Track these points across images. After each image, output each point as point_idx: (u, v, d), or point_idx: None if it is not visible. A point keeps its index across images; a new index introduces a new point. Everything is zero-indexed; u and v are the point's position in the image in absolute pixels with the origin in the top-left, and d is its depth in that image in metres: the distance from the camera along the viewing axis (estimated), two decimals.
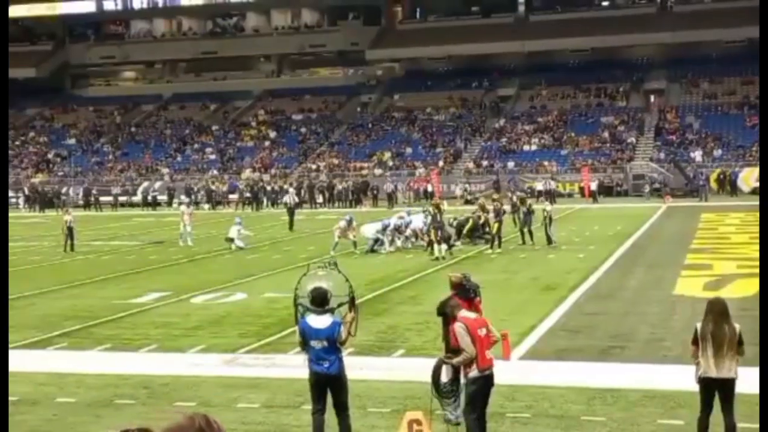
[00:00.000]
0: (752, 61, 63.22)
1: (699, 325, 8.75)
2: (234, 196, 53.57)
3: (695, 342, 8.73)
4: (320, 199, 52.70)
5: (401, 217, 27.87)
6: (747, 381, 9.11)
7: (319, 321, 8.91)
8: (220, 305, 18.26)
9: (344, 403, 9.12)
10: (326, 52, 76.25)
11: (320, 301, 9.00)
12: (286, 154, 64.16)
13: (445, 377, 9.17)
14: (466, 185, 53.44)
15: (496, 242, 26.02)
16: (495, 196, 32.71)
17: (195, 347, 14.31)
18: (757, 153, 54.56)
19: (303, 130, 67.82)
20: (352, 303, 9.14)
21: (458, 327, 8.85)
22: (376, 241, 26.74)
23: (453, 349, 9.06)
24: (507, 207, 28.93)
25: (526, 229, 27.05)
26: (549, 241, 26.61)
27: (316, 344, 8.89)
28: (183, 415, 3.23)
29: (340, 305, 9.18)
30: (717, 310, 8.72)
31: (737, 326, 8.67)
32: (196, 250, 28.73)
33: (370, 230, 27.78)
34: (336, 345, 8.92)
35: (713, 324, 8.59)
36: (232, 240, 28.70)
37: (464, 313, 9.01)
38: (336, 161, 61.49)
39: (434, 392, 9.22)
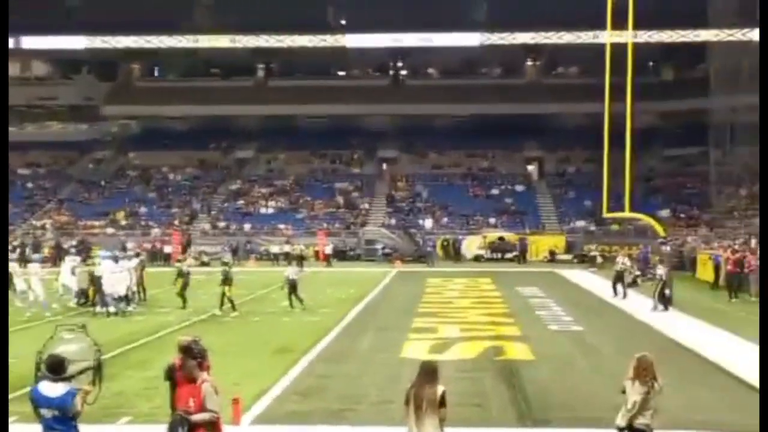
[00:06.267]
0: (476, 136, 67.52)
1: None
2: None
3: (406, 403, 8.91)
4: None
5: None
6: None
7: (51, 389, 8.38)
8: None
9: None
10: (58, 106, 73.37)
11: (54, 368, 8.48)
12: (10, 210, 60.61)
13: None
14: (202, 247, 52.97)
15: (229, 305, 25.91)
16: (226, 259, 32.47)
17: None
18: (481, 221, 58.07)
19: (30, 185, 64.51)
20: (97, 369, 8.65)
21: (209, 386, 8.64)
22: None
23: (188, 413, 8.78)
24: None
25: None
26: (291, 304, 26.72)
27: (46, 413, 8.36)
28: None
29: (82, 371, 8.67)
30: (423, 372, 8.88)
31: (440, 388, 8.71)
32: None
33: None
34: (69, 415, 8.44)
35: (417, 385, 8.75)
36: None
37: (206, 377, 8.83)
38: (65, 218, 58.89)
39: None
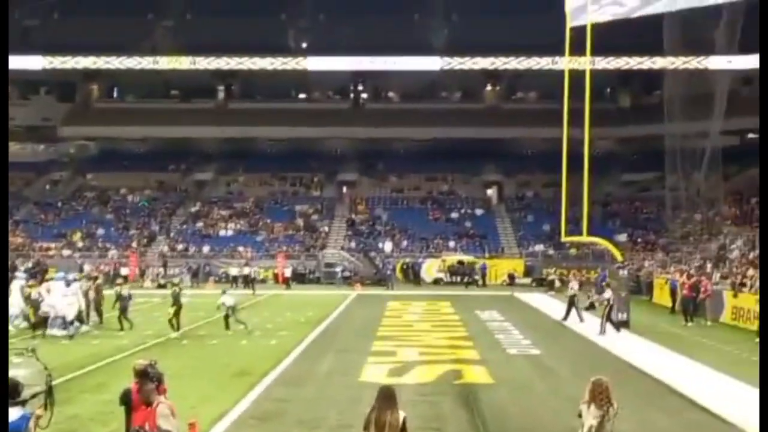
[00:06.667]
0: (435, 160, 67.83)
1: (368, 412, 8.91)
2: None
3: (366, 428, 8.83)
4: None
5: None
6: None
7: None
8: None
9: None
10: (14, 127, 72.41)
11: (9, 392, 8.37)
12: None
13: None
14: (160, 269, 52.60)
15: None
16: (176, 281, 32.37)
17: None
18: (440, 244, 58.21)
19: None
20: (49, 393, 8.54)
21: (164, 408, 8.56)
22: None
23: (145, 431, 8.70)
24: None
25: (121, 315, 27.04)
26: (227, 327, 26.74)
27: None
28: None
29: (34, 396, 8.56)
30: (383, 397, 8.81)
31: (402, 414, 8.70)
32: None
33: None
34: None
35: (378, 410, 8.69)
36: None
37: (162, 399, 8.76)
38: (20, 240, 58.15)
39: None
